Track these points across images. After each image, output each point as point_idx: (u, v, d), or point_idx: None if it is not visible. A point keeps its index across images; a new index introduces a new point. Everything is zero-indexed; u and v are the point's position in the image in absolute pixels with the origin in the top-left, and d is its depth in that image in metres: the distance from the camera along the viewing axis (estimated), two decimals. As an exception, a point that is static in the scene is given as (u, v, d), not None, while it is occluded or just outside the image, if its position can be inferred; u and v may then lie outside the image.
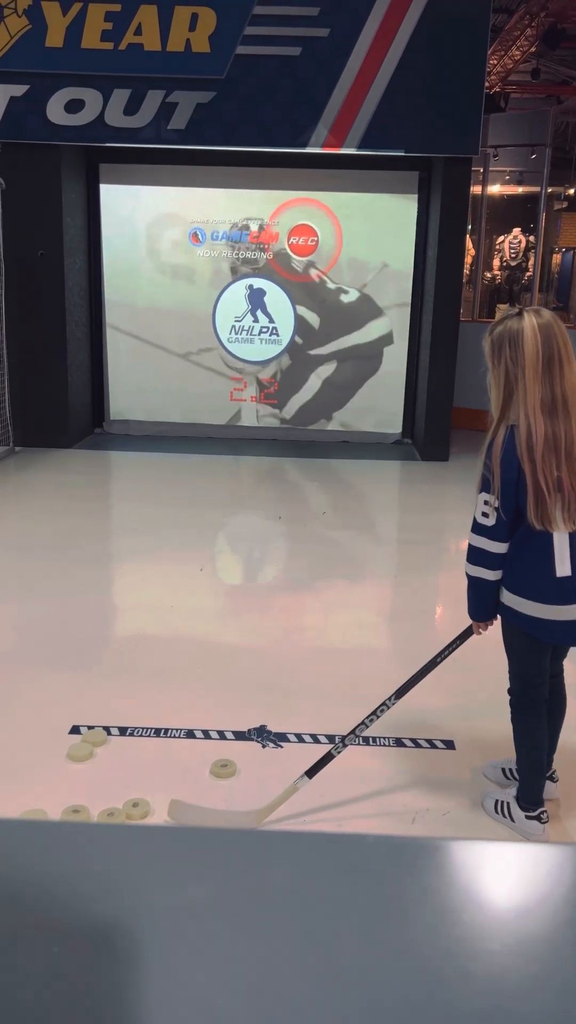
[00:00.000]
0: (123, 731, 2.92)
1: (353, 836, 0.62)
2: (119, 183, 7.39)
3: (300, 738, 2.90)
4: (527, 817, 2.42)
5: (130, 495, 6.23)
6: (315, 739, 2.89)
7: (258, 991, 0.51)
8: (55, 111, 6.42)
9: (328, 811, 2.53)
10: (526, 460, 2.14)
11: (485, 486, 2.21)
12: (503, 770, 2.70)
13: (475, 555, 2.29)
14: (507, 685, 2.48)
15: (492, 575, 2.29)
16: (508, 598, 2.30)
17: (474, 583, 2.33)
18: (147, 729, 2.94)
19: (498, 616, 2.38)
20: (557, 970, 0.53)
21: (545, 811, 2.45)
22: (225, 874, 0.57)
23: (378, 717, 2.51)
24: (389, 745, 2.87)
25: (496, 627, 2.43)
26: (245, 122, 6.43)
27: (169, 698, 3.17)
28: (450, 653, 2.48)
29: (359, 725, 2.51)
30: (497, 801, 2.51)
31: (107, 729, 2.91)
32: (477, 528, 2.26)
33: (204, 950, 0.53)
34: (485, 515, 2.22)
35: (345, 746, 2.52)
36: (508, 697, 2.48)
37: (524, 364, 2.12)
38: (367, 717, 2.51)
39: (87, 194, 7.39)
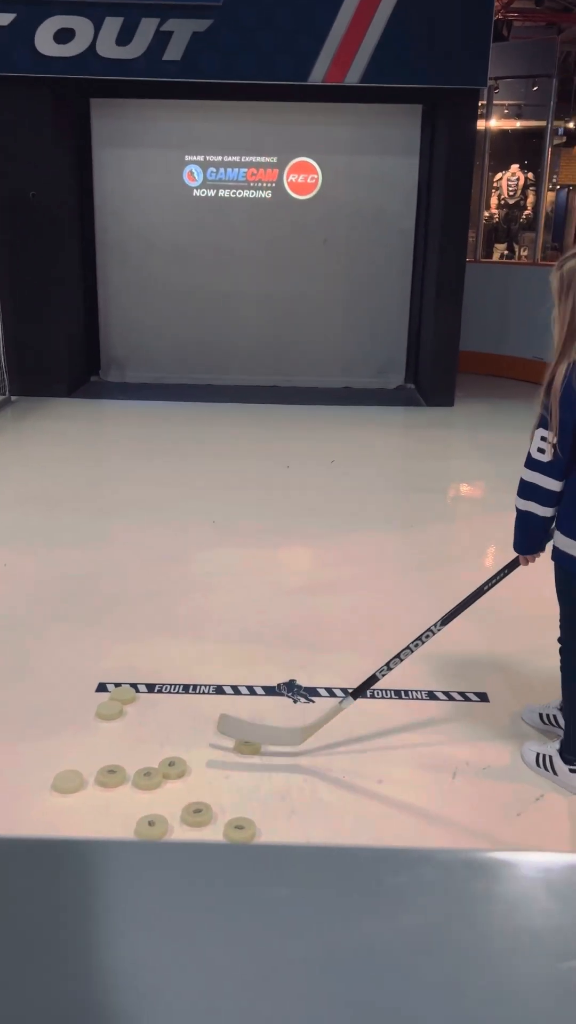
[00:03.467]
0: (151, 688, 2.87)
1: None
2: (112, 118, 7.10)
3: (331, 692, 2.85)
4: (571, 771, 2.39)
5: (133, 444, 6.09)
6: (346, 693, 2.84)
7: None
8: (44, 41, 6.11)
9: (367, 767, 2.49)
10: None
11: (543, 423, 2.19)
12: (540, 715, 2.67)
13: (527, 489, 2.27)
14: (539, 635, 2.44)
15: (542, 511, 2.26)
16: (562, 541, 2.26)
17: (523, 517, 2.31)
18: (175, 685, 2.89)
19: (544, 550, 2.35)
20: None
21: (588, 764, 2.42)
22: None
23: (423, 643, 2.53)
24: (422, 698, 2.83)
25: (532, 569, 2.39)
26: (244, 52, 6.15)
27: (194, 653, 3.11)
28: (496, 583, 2.46)
29: (404, 649, 2.52)
30: (539, 754, 2.47)
31: (135, 686, 2.86)
32: (531, 463, 2.24)
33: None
34: (541, 451, 2.20)
35: (390, 669, 2.53)
36: (550, 647, 2.44)
37: None
38: (412, 642, 2.53)
39: (78, 131, 7.09)
